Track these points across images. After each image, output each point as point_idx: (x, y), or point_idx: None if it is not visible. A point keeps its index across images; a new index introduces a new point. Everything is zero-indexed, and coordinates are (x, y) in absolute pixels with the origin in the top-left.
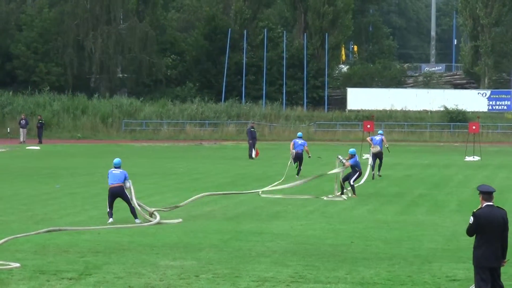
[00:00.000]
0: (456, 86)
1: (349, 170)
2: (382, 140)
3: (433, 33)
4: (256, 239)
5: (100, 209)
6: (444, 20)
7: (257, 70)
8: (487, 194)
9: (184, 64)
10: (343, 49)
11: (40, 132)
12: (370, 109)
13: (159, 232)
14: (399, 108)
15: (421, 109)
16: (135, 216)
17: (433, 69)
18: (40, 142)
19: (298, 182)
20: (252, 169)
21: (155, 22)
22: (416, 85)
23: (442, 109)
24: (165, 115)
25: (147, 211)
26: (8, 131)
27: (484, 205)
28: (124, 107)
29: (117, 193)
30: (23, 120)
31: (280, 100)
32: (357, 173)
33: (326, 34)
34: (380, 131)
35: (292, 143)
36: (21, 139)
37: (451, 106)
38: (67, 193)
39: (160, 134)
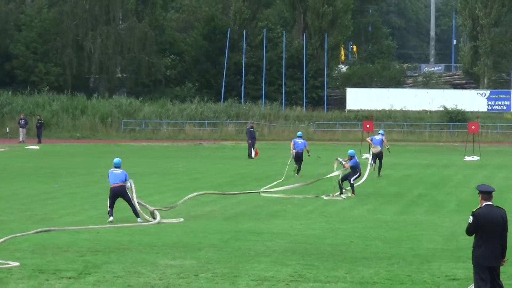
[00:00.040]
0: (456, 86)
1: (348, 170)
2: (382, 140)
3: (432, 33)
4: (256, 239)
5: (99, 208)
6: (444, 20)
7: (257, 70)
8: (486, 193)
9: (183, 64)
10: (342, 49)
11: (40, 132)
12: (369, 109)
13: (159, 232)
14: (398, 108)
15: (421, 109)
16: (137, 216)
17: (433, 69)
18: (39, 142)
19: (297, 185)
20: (251, 169)
21: (154, 22)
22: (415, 85)
23: (441, 109)
24: (165, 115)
25: (148, 209)
26: (8, 131)
27: (483, 204)
28: (123, 107)
29: (118, 192)
30: (23, 120)
31: (280, 100)
32: (357, 173)
33: (326, 34)
34: (380, 131)
35: (292, 142)
36: (21, 139)
37: (450, 106)
38: (66, 193)
39: (159, 134)
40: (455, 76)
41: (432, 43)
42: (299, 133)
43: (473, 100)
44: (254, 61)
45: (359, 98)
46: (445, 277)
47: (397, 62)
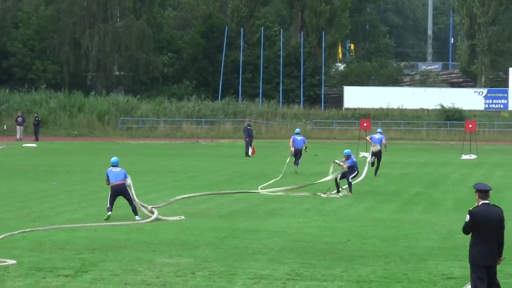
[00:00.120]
0: (453, 85)
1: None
2: (382, 140)
3: (430, 32)
4: (253, 237)
5: (96, 206)
6: (441, 19)
7: (254, 68)
8: (483, 192)
9: (180, 62)
10: (340, 47)
11: (37, 129)
12: (366, 107)
13: (156, 230)
14: (395, 107)
15: (418, 108)
16: (136, 213)
17: (430, 67)
18: (36, 139)
19: (294, 186)
20: (248, 167)
21: (152, 20)
22: (412, 83)
23: (438, 107)
24: (162, 113)
25: (146, 208)
26: (5, 128)
27: (480, 203)
28: (120, 104)
29: (119, 190)
30: (20, 118)
31: (277, 98)
32: (355, 172)
33: (323, 32)
34: (379, 130)
35: (291, 139)
36: (18, 137)
37: (447, 104)
38: (63, 191)
39: (156, 132)
40: (452, 75)
41: (430, 41)
42: (297, 130)
43: (470, 99)
44: (252, 59)
45: (356, 97)
46: (442, 276)
47: (395, 60)
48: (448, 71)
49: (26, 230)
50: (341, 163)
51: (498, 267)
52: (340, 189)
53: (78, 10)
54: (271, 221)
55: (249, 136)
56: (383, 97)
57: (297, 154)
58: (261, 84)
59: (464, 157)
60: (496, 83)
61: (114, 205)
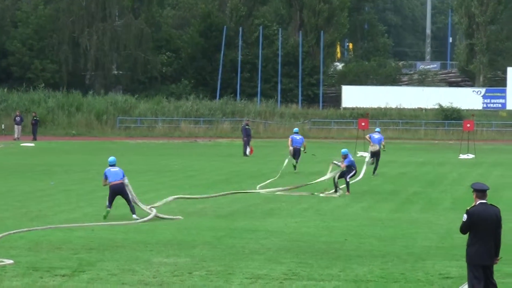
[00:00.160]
0: (451, 84)
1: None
2: (381, 140)
3: (428, 31)
4: (250, 237)
5: (94, 206)
6: (440, 18)
7: (252, 68)
8: (480, 192)
9: (179, 61)
10: (338, 46)
11: (35, 129)
12: (365, 106)
13: (153, 229)
14: (394, 106)
15: (416, 107)
16: (133, 212)
17: (428, 67)
18: (34, 139)
19: (291, 187)
20: (246, 167)
21: (150, 19)
22: (411, 83)
23: (436, 107)
24: (160, 112)
25: (142, 208)
26: (3, 127)
27: (477, 203)
28: (119, 104)
29: (119, 190)
30: (18, 117)
31: (275, 97)
32: (353, 171)
33: (322, 31)
34: (377, 129)
35: (290, 139)
36: (16, 136)
37: (446, 104)
38: (61, 190)
39: (155, 131)
40: (450, 74)
41: (428, 40)
42: (295, 129)
43: (468, 98)
44: (250, 59)
45: (354, 96)
46: (439, 275)
47: (393, 59)
48: (446, 71)
49: (24, 229)
50: (339, 164)
51: (495, 267)
52: (338, 188)
53: (77, 9)
54: (269, 221)
55: (247, 136)
56: (381, 96)
57: (296, 153)
58: (259, 84)
59: (462, 156)
60: (494, 82)
61: (113, 205)
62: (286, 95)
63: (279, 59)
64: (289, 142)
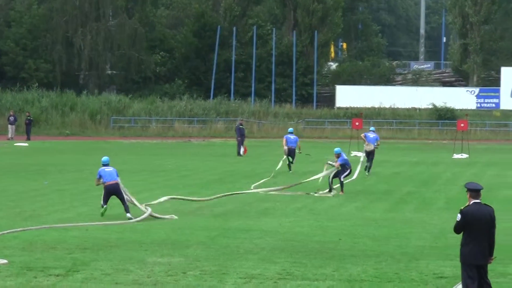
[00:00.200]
0: (445, 84)
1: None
2: (376, 139)
3: (422, 31)
4: (244, 236)
5: (88, 205)
6: (433, 18)
7: (246, 67)
8: (474, 191)
9: (173, 61)
10: (332, 46)
11: (29, 128)
12: (358, 106)
13: (148, 229)
14: (387, 106)
15: (410, 107)
16: (127, 211)
17: (422, 66)
18: (28, 138)
19: (284, 186)
20: (240, 166)
21: (144, 19)
22: (405, 82)
23: (430, 106)
24: (154, 112)
25: (138, 207)
26: None
27: (471, 202)
28: (112, 104)
29: (114, 189)
30: (12, 117)
31: (269, 97)
32: (347, 171)
33: (316, 31)
34: (372, 128)
35: (284, 139)
36: (9, 136)
37: (439, 103)
38: (55, 190)
39: (148, 131)
40: (444, 74)
41: (422, 40)
42: (290, 129)
43: (462, 98)
44: (244, 58)
45: (348, 96)
46: (433, 275)
47: (387, 59)
48: (440, 70)
49: (18, 229)
50: (333, 163)
51: (489, 266)
52: (332, 188)
53: (71, 9)
54: (263, 221)
55: (241, 135)
56: (375, 96)
57: (291, 153)
58: (253, 83)
59: (456, 156)
60: (488, 82)
61: (108, 204)
62: (280, 95)
63: (273, 59)
64: (284, 142)
